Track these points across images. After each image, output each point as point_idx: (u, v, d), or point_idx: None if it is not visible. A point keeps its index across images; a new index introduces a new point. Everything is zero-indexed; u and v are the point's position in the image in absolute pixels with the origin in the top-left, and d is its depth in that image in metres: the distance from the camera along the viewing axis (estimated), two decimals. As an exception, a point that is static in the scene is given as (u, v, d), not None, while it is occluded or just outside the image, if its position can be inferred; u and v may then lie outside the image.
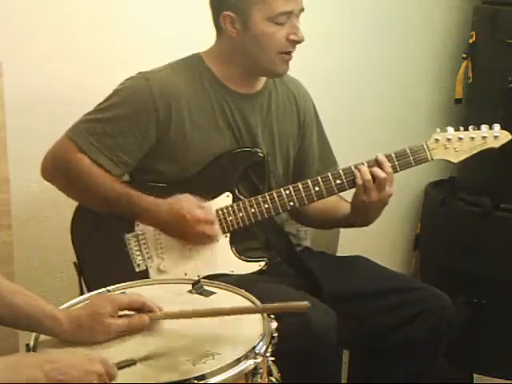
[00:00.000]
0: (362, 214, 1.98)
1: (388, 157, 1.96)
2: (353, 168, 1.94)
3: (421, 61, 3.05)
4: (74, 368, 1.23)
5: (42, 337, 1.44)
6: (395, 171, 1.97)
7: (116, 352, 1.40)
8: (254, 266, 1.98)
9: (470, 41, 2.73)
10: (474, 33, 2.73)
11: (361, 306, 1.97)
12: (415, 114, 3.09)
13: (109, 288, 1.63)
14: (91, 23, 2.33)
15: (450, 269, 2.76)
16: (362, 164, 1.94)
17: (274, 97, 2.07)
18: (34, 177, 2.01)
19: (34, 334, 1.44)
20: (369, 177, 1.91)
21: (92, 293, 1.64)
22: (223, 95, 1.99)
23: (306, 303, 1.44)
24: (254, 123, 2.02)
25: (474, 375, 2.69)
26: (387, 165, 1.93)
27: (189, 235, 1.91)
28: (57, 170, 1.95)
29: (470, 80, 2.75)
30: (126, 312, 1.47)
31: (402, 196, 3.10)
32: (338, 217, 2.07)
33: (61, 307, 1.51)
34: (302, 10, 1.94)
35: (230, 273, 1.95)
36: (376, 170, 1.92)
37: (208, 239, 1.92)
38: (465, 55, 2.76)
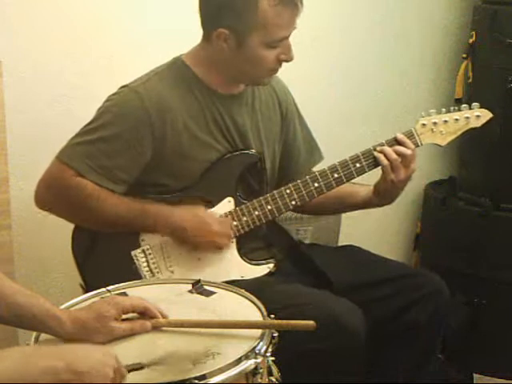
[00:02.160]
0: (388, 194, 2.03)
1: (380, 145, 1.97)
2: (372, 151, 1.97)
3: (421, 61, 3.05)
4: (91, 360, 1.23)
5: (42, 336, 1.44)
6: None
7: (116, 352, 1.39)
8: (264, 269, 1.97)
9: (470, 41, 2.73)
10: (474, 33, 2.73)
11: (359, 295, 1.95)
12: (415, 114, 3.09)
13: (108, 288, 1.64)
14: (92, 23, 2.33)
15: (450, 269, 2.75)
16: (383, 145, 1.97)
17: (256, 94, 2.06)
18: (34, 177, 2.01)
19: (34, 334, 1.44)
20: (395, 156, 1.94)
21: (92, 293, 1.64)
22: (211, 99, 1.96)
23: (312, 323, 1.43)
24: (241, 123, 2.00)
25: (474, 375, 2.69)
26: (409, 142, 1.97)
27: (203, 240, 1.90)
28: (55, 197, 1.89)
29: (470, 80, 2.75)
30: (130, 315, 1.48)
31: (402, 196, 3.09)
32: (355, 201, 2.09)
33: (61, 307, 1.51)
34: (295, 28, 1.91)
35: (241, 278, 1.94)
36: (400, 148, 1.96)
37: (218, 248, 1.93)
38: (465, 55, 2.76)
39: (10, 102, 2.11)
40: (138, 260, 1.93)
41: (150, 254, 1.94)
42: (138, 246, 1.94)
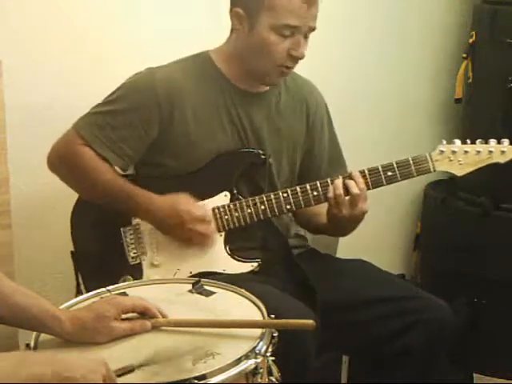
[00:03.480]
0: (336, 227, 1.99)
1: (389, 166, 1.94)
2: (328, 181, 1.94)
3: (421, 61, 3.05)
4: (80, 367, 1.23)
5: (42, 336, 1.45)
6: (396, 181, 1.95)
7: (116, 351, 1.40)
8: (247, 267, 1.98)
9: (470, 41, 2.74)
10: (474, 33, 2.73)
11: (359, 314, 1.95)
12: (415, 114, 3.09)
13: (109, 288, 1.64)
14: (92, 23, 2.33)
15: (450, 269, 2.76)
16: (338, 178, 1.93)
17: (283, 96, 2.06)
18: (34, 177, 2.01)
19: (34, 334, 1.44)
20: (340, 191, 1.90)
21: (92, 292, 1.64)
22: (230, 94, 1.99)
23: (312, 322, 1.43)
24: (259, 122, 2.01)
25: (474, 375, 2.69)
26: (360, 181, 1.91)
27: (183, 234, 1.91)
28: (62, 162, 1.97)
29: (470, 80, 2.75)
30: (130, 315, 1.48)
31: (401, 196, 3.11)
32: (321, 223, 2.05)
33: (61, 307, 1.51)
34: (313, 29, 1.92)
35: (222, 271, 1.95)
36: (350, 184, 1.90)
37: (203, 238, 1.92)
38: (465, 55, 2.76)
39: (10, 102, 2.11)
40: (125, 237, 1.97)
41: (138, 233, 1.97)
42: (129, 224, 1.98)
